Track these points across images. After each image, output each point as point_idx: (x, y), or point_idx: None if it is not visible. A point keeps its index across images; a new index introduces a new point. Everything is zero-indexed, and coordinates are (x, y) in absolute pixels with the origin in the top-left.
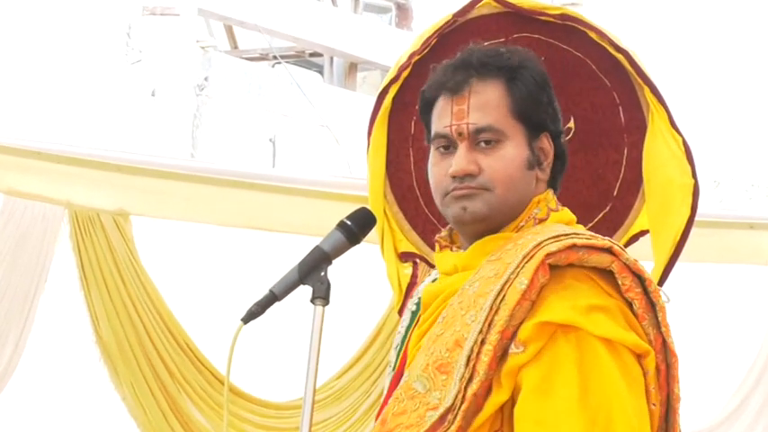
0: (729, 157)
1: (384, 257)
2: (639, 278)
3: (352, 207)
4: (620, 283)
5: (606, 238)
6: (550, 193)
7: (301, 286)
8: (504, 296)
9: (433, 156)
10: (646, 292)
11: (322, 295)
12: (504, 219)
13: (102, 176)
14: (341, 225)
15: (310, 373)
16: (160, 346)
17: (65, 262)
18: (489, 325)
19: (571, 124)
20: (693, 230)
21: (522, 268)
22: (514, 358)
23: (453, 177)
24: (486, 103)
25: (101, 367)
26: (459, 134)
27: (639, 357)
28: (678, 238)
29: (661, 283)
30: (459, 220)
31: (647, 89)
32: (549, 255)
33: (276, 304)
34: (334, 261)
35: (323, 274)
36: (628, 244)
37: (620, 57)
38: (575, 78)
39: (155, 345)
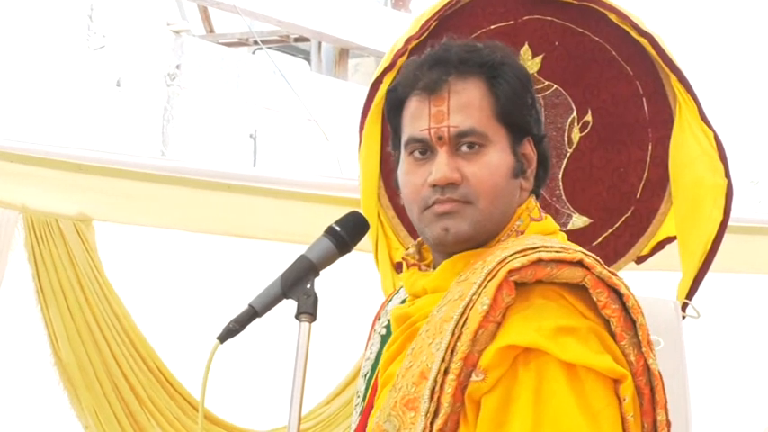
0: None
1: (378, 268)
2: (617, 293)
3: (341, 211)
4: (594, 299)
5: (578, 248)
6: (533, 200)
7: (285, 300)
8: (465, 319)
9: (407, 163)
10: (624, 308)
11: (308, 310)
12: (487, 236)
13: (61, 177)
14: (329, 231)
15: (295, 399)
16: (127, 368)
17: (19, 273)
18: (452, 352)
19: (588, 117)
20: (726, 236)
21: (484, 287)
22: (474, 386)
23: (434, 187)
24: (467, 103)
25: (60, 392)
26: (439, 138)
27: (615, 383)
28: (709, 245)
29: (690, 296)
30: (440, 242)
31: (674, 78)
32: (512, 271)
33: (256, 321)
34: (321, 272)
35: (309, 286)
36: (653, 252)
37: (643, 41)
38: (592, 66)
39: (120, 367)
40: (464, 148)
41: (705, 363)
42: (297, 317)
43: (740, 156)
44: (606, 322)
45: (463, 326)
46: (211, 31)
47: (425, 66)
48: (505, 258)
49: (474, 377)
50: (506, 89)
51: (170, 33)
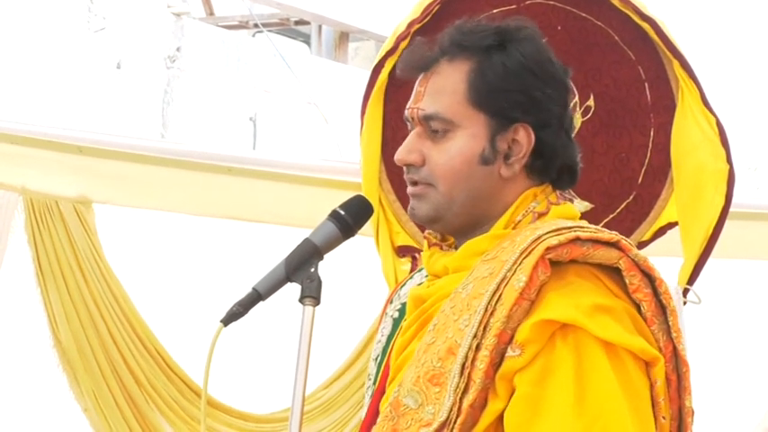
0: None
1: (379, 252)
2: (649, 277)
3: (341, 195)
4: (627, 282)
5: (614, 232)
6: (549, 186)
7: (288, 284)
8: (500, 296)
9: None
10: (656, 293)
11: (312, 294)
12: (466, 219)
13: (61, 159)
14: (334, 215)
15: (299, 382)
16: (126, 351)
17: (19, 256)
18: (485, 328)
19: (590, 102)
20: (728, 222)
21: (519, 265)
22: (510, 362)
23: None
24: (441, 87)
25: (59, 374)
26: (412, 119)
27: (647, 365)
28: (711, 231)
29: (691, 281)
30: (414, 222)
31: (676, 63)
32: (549, 249)
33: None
34: (325, 256)
35: (313, 270)
36: (654, 237)
37: (645, 26)
38: (595, 51)
39: (120, 350)
40: (432, 132)
41: (705, 348)
42: (301, 301)
43: (739, 142)
44: (637, 306)
45: (497, 302)
46: (212, 13)
47: (426, 45)
48: (540, 237)
49: (510, 352)
50: (488, 74)
51: (170, 16)
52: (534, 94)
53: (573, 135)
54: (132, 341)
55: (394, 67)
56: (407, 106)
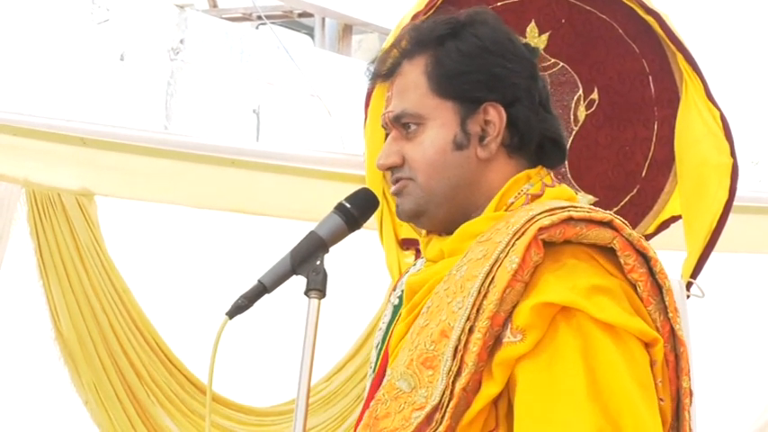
0: None
1: (383, 244)
2: (644, 256)
3: (345, 187)
4: (622, 262)
5: (607, 212)
6: (543, 169)
7: (293, 277)
8: (493, 278)
9: None
10: (651, 272)
11: (318, 287)
12: (450, 209)
13: (64, 151)
14: (339, 208)
15: (304, 375)
16: (126, 344)
17: (22, 248)
18: (477, 311)
19: (594, 95)
20: (731, 216)
21: (512, 246)
22: (511, 348)
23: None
24: (405, 86)
25: (61, 367)
26: (386, 125)
27: (647, 346)
28: (714, 224)
29: (695, 275)
30: (403, 221)
31: (680, 56)
32: (541, 229)
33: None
34: (330, 249)
35: (318, 263)
36: (658, 230)
37: (650, 19)
38: (599, 44)
39: (120, 342)
40: (405, 130)
41: (708, 342)
42: (306, 293)
43: (741, 136)
44: (633, 286)
45: (490, 284)
46: (215, 5)
47: (392, 50)
48: (533, 217)
49: (510, 337)
50: (445, 61)
51: (174, 8)
52: (495, 70)
53: (550, 107)
54: (133, 334)
55: None
56: (383, 112)
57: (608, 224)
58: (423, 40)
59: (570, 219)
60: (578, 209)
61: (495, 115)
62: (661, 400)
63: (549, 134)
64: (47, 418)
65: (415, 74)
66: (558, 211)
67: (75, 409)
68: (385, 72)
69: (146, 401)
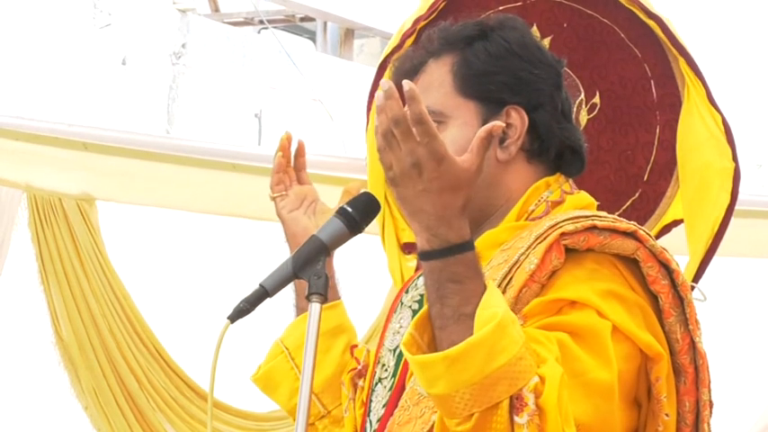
0: None
1: (385, 249)
2: (667, 268)
3: None
4: (645, 273)
5: (632, 222)
6: (562, 176)
7: (294, 281)
8: (511, 278)
9: None
10: (673, 284)
11: (319, 291)
12: (469, 209)
13: (65, 155)
14: (341, 212)
15: (305, 380)
16: (126, 349)
17: (23, 253)
18: None
19: (596, 100)
20: (733, 220)
21: (533, 249)
22: None
23: None
24: (429, 83)
25: (61, 372)
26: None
27: (651, 361)
28: (716, 228)
29: (696, 279)
30: None
31: (682, 61)
32: (564, 235)
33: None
34: (332, 253)
35: (320, 267)
36: (660, 235)
37: (652, 24)
38: (601, 48)
39: (120, 348)
40: None
41: (710, 346)
42: (308, 297)
43: (744, 139)
44: (654, 298)
45: (507, 284)
46: (217, 10)
47: (412, 50)
48: (558, 223)
49: None
50: (472, 61)
51: (176, 12)
52: (521, 74)
53: (573, 118)
54: (132, 339)
55: None
56: None
57: (632, 235)
58: (451, 39)
59: (594, 227)
60: (602, 218)
61: (517, 118)
62: (666, 415)
63: (569, 143)
64: (47, 423)
65: (440, 72)
66: (582, 219)
67: (75, 415)
68: (408, 68)
69: (145, 407)
